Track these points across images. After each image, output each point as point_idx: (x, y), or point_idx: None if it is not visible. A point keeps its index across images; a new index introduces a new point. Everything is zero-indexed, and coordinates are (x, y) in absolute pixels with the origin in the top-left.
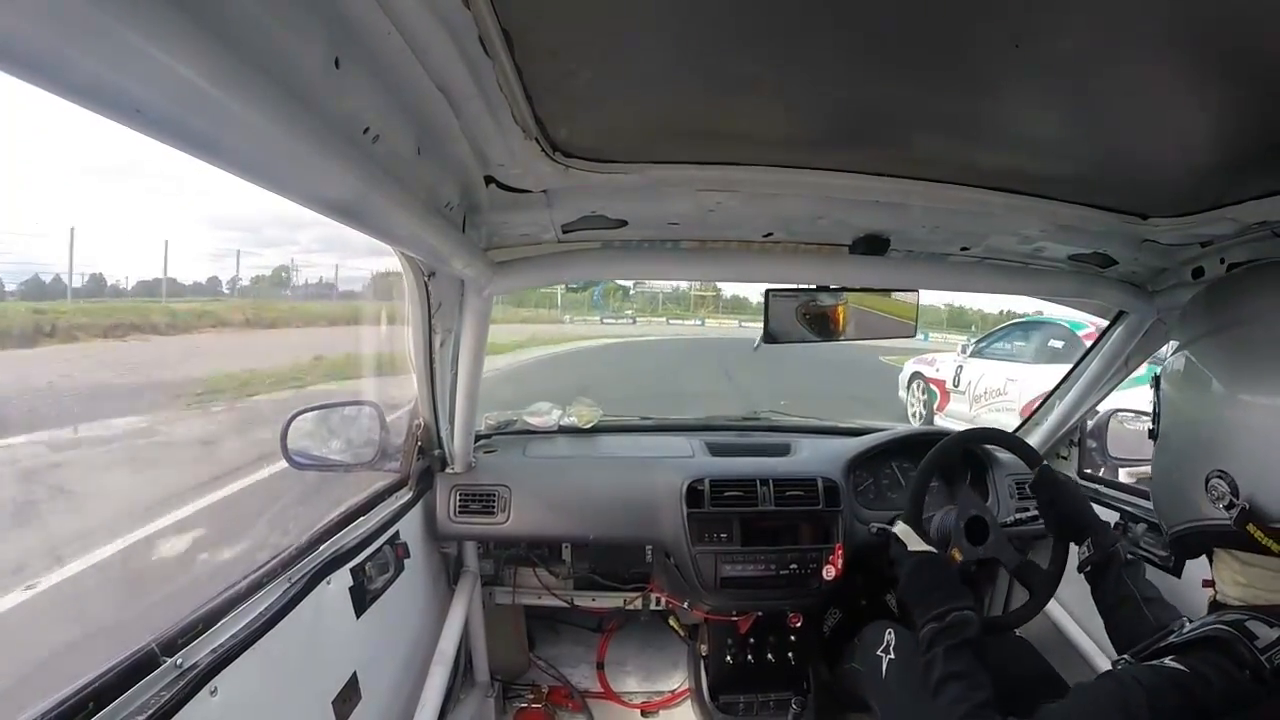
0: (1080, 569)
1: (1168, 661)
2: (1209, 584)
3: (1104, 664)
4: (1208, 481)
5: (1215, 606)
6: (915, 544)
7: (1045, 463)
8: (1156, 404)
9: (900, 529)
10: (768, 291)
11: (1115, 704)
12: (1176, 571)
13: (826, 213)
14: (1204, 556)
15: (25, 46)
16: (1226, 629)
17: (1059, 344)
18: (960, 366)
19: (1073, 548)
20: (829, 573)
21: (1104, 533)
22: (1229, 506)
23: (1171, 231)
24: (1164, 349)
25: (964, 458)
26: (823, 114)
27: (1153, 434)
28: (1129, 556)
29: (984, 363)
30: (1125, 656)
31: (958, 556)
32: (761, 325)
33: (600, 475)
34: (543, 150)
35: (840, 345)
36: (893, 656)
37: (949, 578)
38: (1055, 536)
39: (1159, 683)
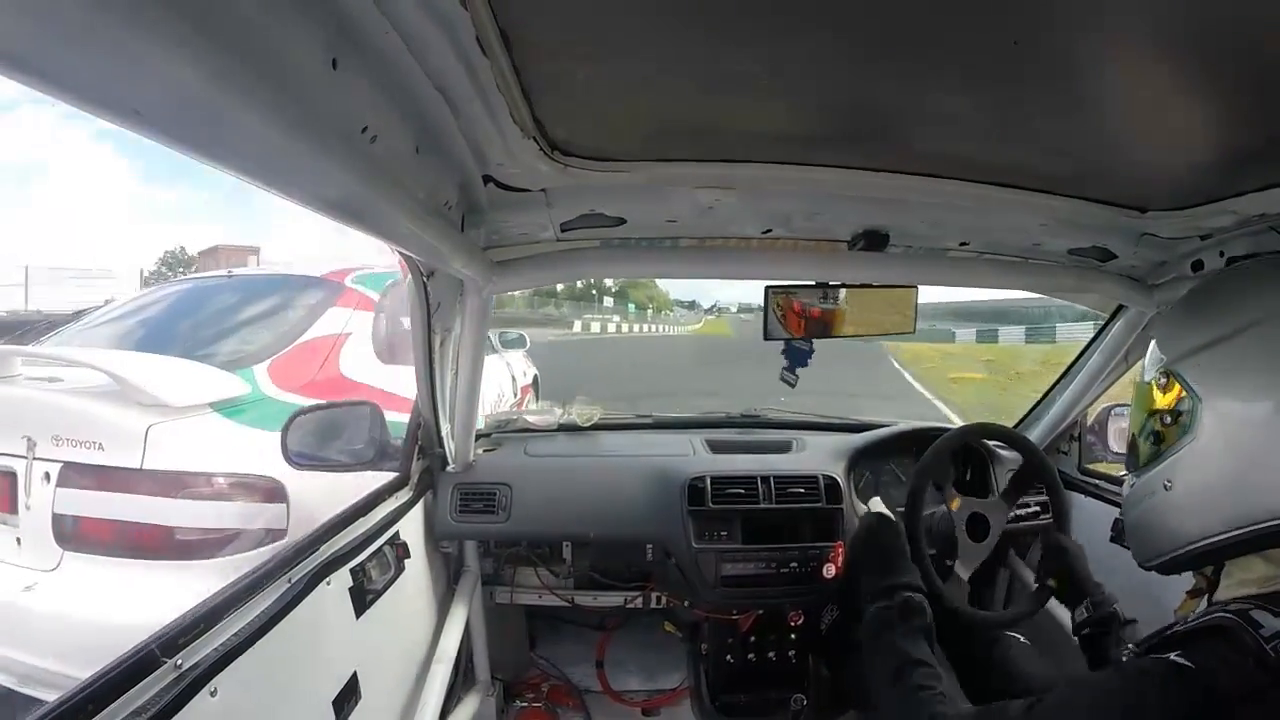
0: (1076, 631)
1: (1174, 657)
2: (1196, 594)
3: None
4: None
5: (1209, 603)
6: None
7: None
8: (1177, 406)
9: (875, 501)
10: (768, 288)
11: (1124, 698)
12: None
13: (825, 209)
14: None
15: (25, 48)
16: (1230, 617)
17: None
18: None
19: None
20: (829, 570)
21: (1101, 593)
22: None
23: (1171, 225)
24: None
25: (965, 453)
26: (821, 110)
27: (1158, 439)
28: (1126, 618)
29: None
30: (1130, 647)
31: (953, 507)
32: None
33: (601, 473)
34: (541, 149)
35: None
36: None
37: (900, 549)
38: (1051, 594)
39: (1169, 678)
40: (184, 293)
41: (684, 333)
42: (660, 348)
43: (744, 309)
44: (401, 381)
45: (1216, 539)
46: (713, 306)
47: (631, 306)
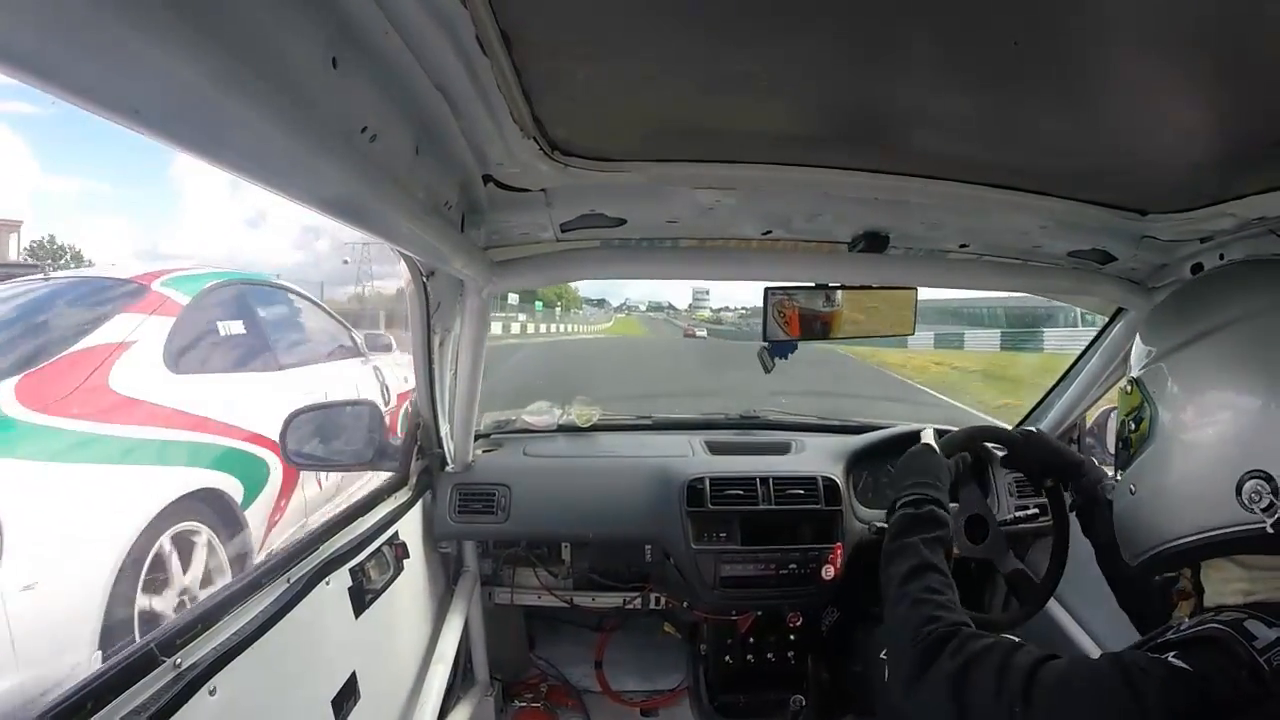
0: (1070, 509)
1: (1172, 658)
2: (1184, 596)
3: None
4: (1241, 485)
5: (1199, 610)
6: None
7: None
8: (1138, 413)
9: (928, 431)
10: (767, 290)
11: (1127, 689)
12: None
13: (825, 209)
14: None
15: (24, 47)
16: (1223, 628)
17: None
18: None
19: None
20: (828, 572)
21: (1082, 475)
22: (1267, 509)
23: (1171, 227)
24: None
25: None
26: (821, 111)
27: (1127, 445)
28: (1110, 499)
29: None
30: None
31: (954, 552)
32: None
33: (600, 474)
34: (541, 149)
35: None
36: None
37: (940, 471)
38: (1050, 485)
39: (1169, 678)
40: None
41: (596, 332)
42: (579, 353)
43: (653, 307)
44: (201, 396)
45: (1174, 544)
46: (623, 305)
47: (539, 304)
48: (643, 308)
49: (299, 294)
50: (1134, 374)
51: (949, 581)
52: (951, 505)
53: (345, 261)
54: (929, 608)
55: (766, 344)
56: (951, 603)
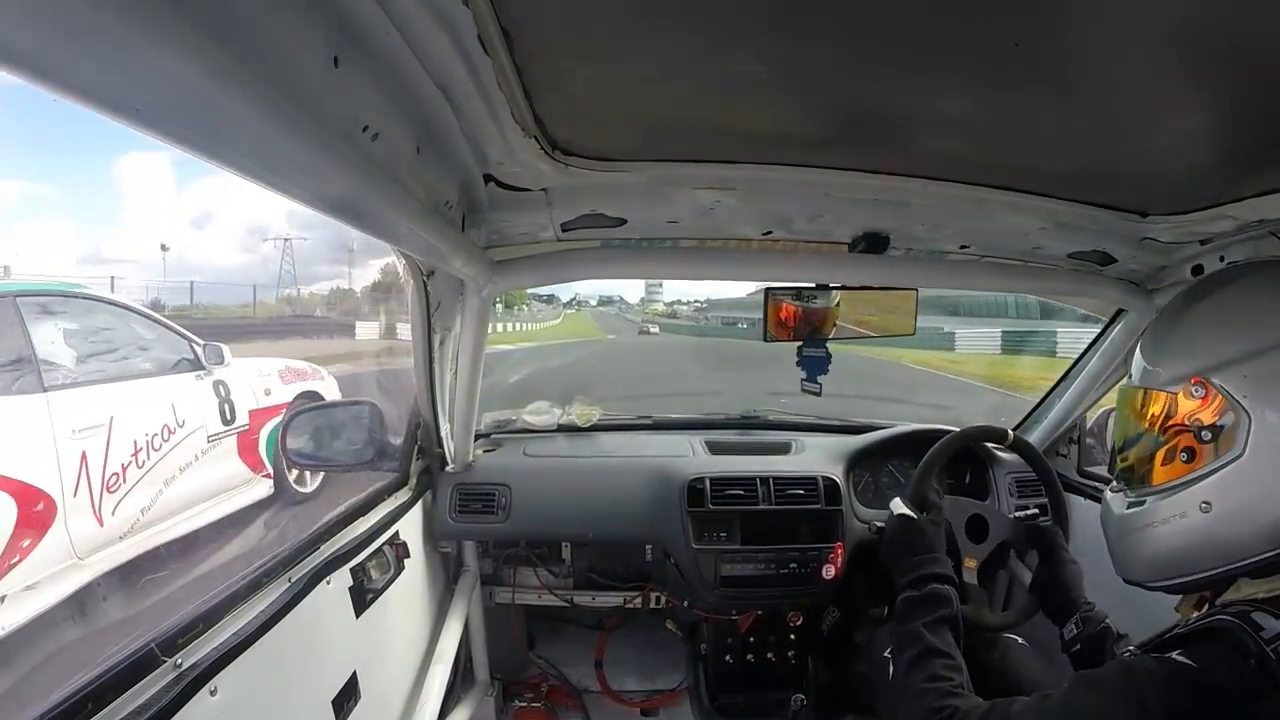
0: (1066, 649)
1: (1176, 656)
2: (1197, 606)
3: None
4: None
5: (1211, 606)
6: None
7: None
8: (1215, 421)
9: (895, 502)
10: (767, 290)
11: (1129, 695)
12: None
13: (826, 210)
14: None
15: (25, 46)
16: (1230, 619)
17: None
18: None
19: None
20: (829, 572)
21: (1093, 609)
22: None
23: (1170, 229)
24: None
25: (965, 455)
26: (823, 112)
27: (1190, 457)
28: (1120, 632)
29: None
30: (1132, 648)
31: (971, 564)
32: None
33: (600, 474)
34: (542, 149)
35: None
36: None
37: (929, 542)
38: (1036, 601)
39: (1172, 676)
40: None
41: (539, 332)
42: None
43: (603, 300)
44: None
45: (1254, 559)
46: (572, 299)
47: None
48: (593, 302)
49: (116, 304)
50: (1208, 376)
51: (954, 663)
52: (950, 500)
53: (162, 248)
54: (932, 697)
55: (804, 375)
56: (954, 687)
